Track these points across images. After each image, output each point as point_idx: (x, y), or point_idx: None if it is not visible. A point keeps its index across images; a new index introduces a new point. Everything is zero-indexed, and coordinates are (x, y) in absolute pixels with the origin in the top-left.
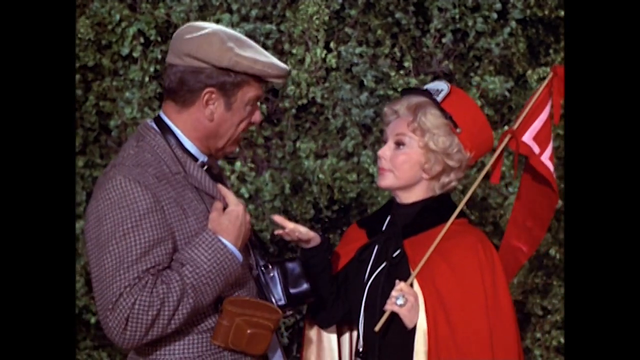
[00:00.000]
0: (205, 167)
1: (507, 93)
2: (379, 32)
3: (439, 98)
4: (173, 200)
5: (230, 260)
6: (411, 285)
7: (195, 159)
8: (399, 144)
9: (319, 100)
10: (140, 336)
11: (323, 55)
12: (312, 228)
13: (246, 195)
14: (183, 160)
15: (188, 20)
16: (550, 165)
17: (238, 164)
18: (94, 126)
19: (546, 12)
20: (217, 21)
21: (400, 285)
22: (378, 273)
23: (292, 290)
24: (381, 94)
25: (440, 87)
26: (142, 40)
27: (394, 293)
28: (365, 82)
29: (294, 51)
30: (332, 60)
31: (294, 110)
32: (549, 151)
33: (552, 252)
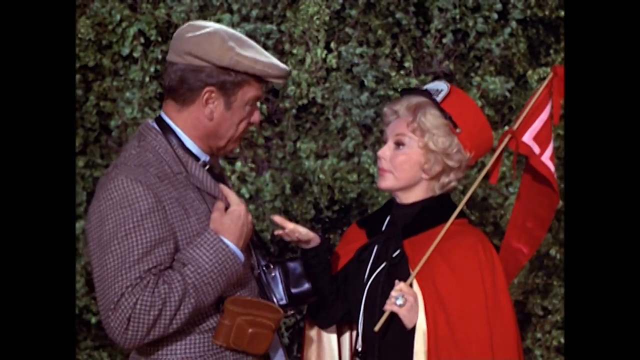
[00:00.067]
0: (207, 167)
1: (507, 93)
2: (380, 32)
3: (439, 98)
4: (175, 200)
5: (232, 260)
6: (411, 285)
7: (197, 159)
8: (398, 144)
9: (319, 100)
10: (142, 336)
11: (323, 56)
12: (312, 228)
13: (246, 196)
14: (185, 160)
15: (188, 20)
16: (551, 166)
17: (238, 164)
18: (95, 126)
19: (546, 13)
20: (218, 21)
21: (399, 285)
22: (378, 273)
23: (293, 290)
24: (382, 94)
25: (440, 87)
26: (142, 40)
27: (393, 293)
28: (366, 83)
29: (295, 51)
30: (332, 61)
31: (294, 111)
32: (549, 151)
33: (552, 252)
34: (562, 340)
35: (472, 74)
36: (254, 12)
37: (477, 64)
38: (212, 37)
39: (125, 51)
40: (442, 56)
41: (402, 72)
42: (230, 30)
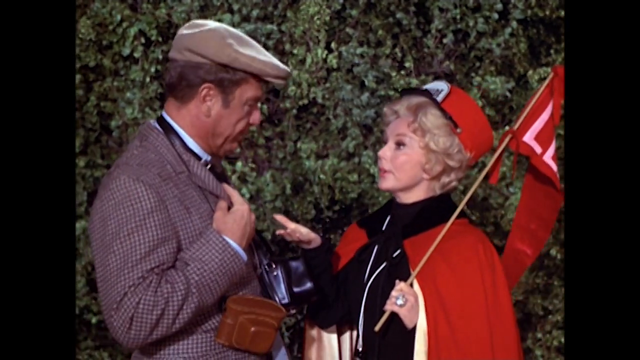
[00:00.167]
0: (209, 166)
1: (508, 93)
2: (380, 32)
3: (439, 98)
4: (177, 200)
5: (235, 260)
6: (411, 285)
7: (199, 158)
8: (399, 144)
9: (320, 100)
10: (144, 335)
11: (324, 56)
12: (313, 228)
13: (247, 196)
14: (186, 160)
15: (189, 20)
16: (553, 165)
17: (239, 164)
18: (95, 126)
19: (547, 13)
20: (219, 21)
21: (400, 285)
22: (378, 273)
23: (295, 289)
24: (382, 94)
25: (440, 87)
26: (143, 40)
27: (394, 293)
28: (366, 83)
29: (295, 51)
30: (333, 61)
31: (294, 111)
32: (551, 151)
33: (553, 252)
34: (563, 340)
35: (473, 74)
36: (255, 12)
37: (477, 64)
38: (211, 33)
39: (126, 51)
40: (443, 56)
41: (402, 72)
42: (231, 29)
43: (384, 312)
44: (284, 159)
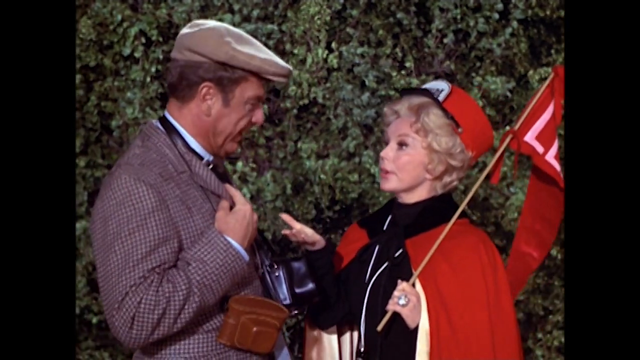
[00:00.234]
0: (211, 166)
1: (508, 93)
2: (381, 32)
3: (441, 98)
4: (178, 199)
5: (237, 260)
6: (413, 285)
7: (201, 158)
8: (401, 144)
9: (320, 100)
10: (146, 335)
11: (324, 56)
12: (313, 228)
13: (248, 196)
14: (188, 159)
15: (190, 20)
16: (556, 165)
17: (239, 164)
18: (96, 126)
19: (547, 13)
20: (219, 21)
21: (402, 285)
22: (380, 273)
23: (297, 290)
24: (382, 94)
25: (441, 86)
26: (143, 40)
27: (396, 293)
28: (367, 83)
29: (296, 51)
30: (333, 61)
31: (295, 111)
32: (553, 150)
33: (553, 252)
34: (563, 340)
35: (473, 74)
36: (255, 12)
37: (478, 64)
38: (210, 32)
39: (127, 51)
40: (443, 56)
41: (403, 72)
42: (232, 27)
43: (386, 312)
44: (284, 159)
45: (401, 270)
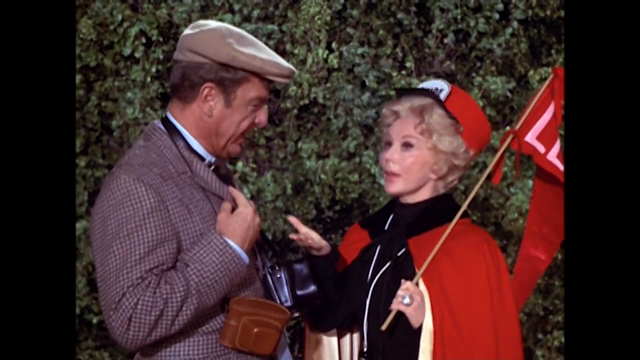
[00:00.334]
0: (213, 167)
1: (509, 93)
2: (381, 32)
3: (442, 98)
4: (178, 200)
5: (236, 262)
6: (417, 284)
7: (202, 159)
8: (406, 145)
9: (320, 100)
10: (143, 336)
11: (325, 56)
12: (313, 228)
13: (248, 196)
14: (190, 160)
15: (190, 20)
16: (558, 164)
17: (240, 164)
18: (96, 126)
19: (548, 13)
20: (220, 21)
21: (406, 284)
22: (382, 273)
23: (299, 292)
24: (383, 94)
25: (439, 85)
26: (143, 40)
27: (400, 292)
28: (367, 83)
29: (296, 51)
30: (333, 61)
31: (295, 111)
32: (555, 149)
33: None
34: (564, 340)
35: (474, 74)
36: (256, 12)
37: (478, 64)
38: (211, 33)
39: (127, 51)
40: (444, 56)
41: (403, 72)
42: (234, 28)
43: (389, 311)
44: (284, 159)
45: (404, 270)
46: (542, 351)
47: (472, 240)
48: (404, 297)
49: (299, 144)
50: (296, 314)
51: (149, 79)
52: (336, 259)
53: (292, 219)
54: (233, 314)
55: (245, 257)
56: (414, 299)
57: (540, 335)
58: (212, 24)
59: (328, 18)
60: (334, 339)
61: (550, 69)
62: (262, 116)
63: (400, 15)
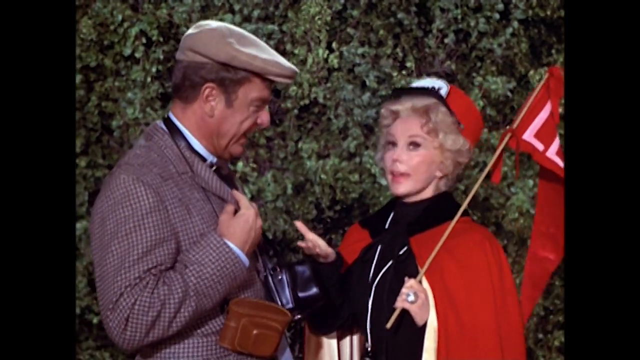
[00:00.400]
0: (214, 168)
1: (509, 93)
2: (381, 32)
3: (443, 96)
4: (177, 200)
5: (236, 264)
6: (420, 282)
7: (204, 159)
8: (413, 145)
9: (321, 100)
10: (140, 337)
11: (325, 56)
12: (314, 228)
13: (248, 196)
14: (191, 161)
15: (190, 20)
16: (558, 161)
17: (240, 164)
18: (96, 126)
19: (548, 13)
20: (220, 21)
21: (410, 282)
22: (384, 272)
23: (300, 294)
24: (383, 94)
25: (437, 84)
26: (144, 40)
27: (404, 290)
28: (368, 83)
29: (296, 51)
30: (334, 61)
31: (296, 111)
32: (555, 146)
33: None
34: (564, 340)
35: (474, 74)
36: (256, 13)
37: (478, 64)
38: (212, 33)
39: (127, 51)
40: (444, 56)
41: (403, 72)
42: (235, 28)
43: (393, 310)
44: (285, 159)
45: (406, 268)
46: (543, 351)
47: (474, 238)
48: (408, 295)
49: (300, 144)
50: (298, 316)
51: (149, 79)
52: (341, 266)
53: (299, 225)
54: (233, 316)
55: (245, 259)
56: (418, 297)
57: (540, 335)
58: (214, 23)
59: (328, 18)
60: (334, 340)
61: None
62: (264, 117)
63: (400, 15)
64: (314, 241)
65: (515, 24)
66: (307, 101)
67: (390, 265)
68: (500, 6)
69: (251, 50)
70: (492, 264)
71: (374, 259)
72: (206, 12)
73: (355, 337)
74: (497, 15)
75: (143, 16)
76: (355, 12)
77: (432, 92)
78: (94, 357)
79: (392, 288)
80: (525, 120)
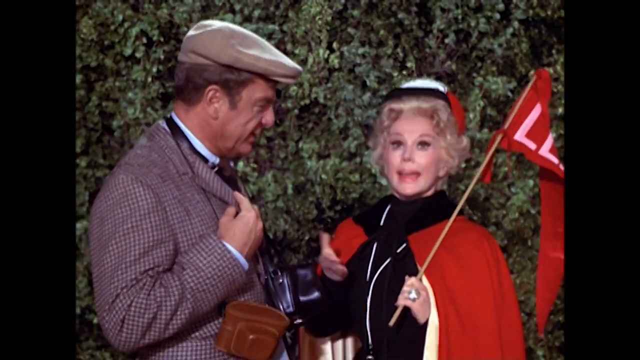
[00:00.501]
0: (216, 169)
1: (509, 93)
2: (382, 32)
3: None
4: (177, 201)
5: (234, 267)
6: (420, 280)
7: (206, 160)
8: (423, 144)
9: (321, 100)
10: (136, 339)
11: (326, 56)
12: (314, 228)
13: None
14: (192, 161)
15: (191, 20)
16: (552, 158)
17: (240, 164)
18: (97, 126)
19: (549, 13)
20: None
21: (411, 280)
22: (382, 270)
23: (302, 298)
24: (384, 94)
25: (433, 85)
26: (144, 40)
27: (405, 288)
28: (368, 83)
29: (297, 51)
30: (334, 61)
31: (296, 111)
32: (547, 144)
33: None
34: (564, 340)
35: (475, 74)
36: (256, 12)
37: (479, 64)
38: (214, 34)
39: (128, 51)
40: (445, 56)
41: (404, 72)
42: (237, 28)
43: (393, 307)
44: (285, 159)
45: (405, 266)
46: (543, 351)
47: (473, 237)
48: (410, 293)
49: (300, 144)
50: (298, 321)
51: (149, 79)
52: (350, 286)
53: (324, 237)
54: (229, 319)
55: (244, 262)
56: (420, 294)
57: (540, 335)
58: (216, 24)
59: (329, 18)
60: (327, 339)
61: (551, 69)
62: (268, 117)
63: (401, 16)
64: (328, 257)
65: (516, 24)
66: (307, 101)
67: (388, 263)
68: (501, 6)
69: (254, 51)
70: (490, 261)
71: (370, 256)
72: (207, 12)
73: (350, 337)
74: (497, 16)
75: (144, 16)
76: (355, 12)
77: (437, 93)
78: (94, 357)
79: (390, 286)
80: (516, 121)
